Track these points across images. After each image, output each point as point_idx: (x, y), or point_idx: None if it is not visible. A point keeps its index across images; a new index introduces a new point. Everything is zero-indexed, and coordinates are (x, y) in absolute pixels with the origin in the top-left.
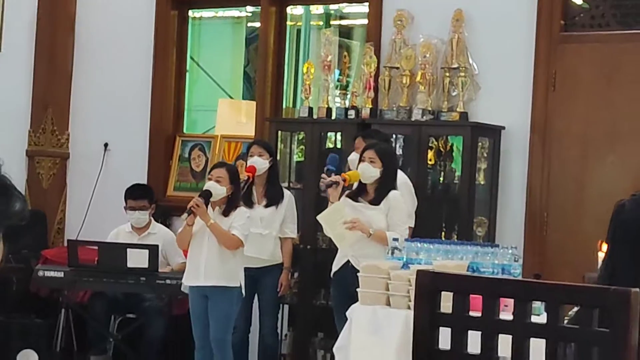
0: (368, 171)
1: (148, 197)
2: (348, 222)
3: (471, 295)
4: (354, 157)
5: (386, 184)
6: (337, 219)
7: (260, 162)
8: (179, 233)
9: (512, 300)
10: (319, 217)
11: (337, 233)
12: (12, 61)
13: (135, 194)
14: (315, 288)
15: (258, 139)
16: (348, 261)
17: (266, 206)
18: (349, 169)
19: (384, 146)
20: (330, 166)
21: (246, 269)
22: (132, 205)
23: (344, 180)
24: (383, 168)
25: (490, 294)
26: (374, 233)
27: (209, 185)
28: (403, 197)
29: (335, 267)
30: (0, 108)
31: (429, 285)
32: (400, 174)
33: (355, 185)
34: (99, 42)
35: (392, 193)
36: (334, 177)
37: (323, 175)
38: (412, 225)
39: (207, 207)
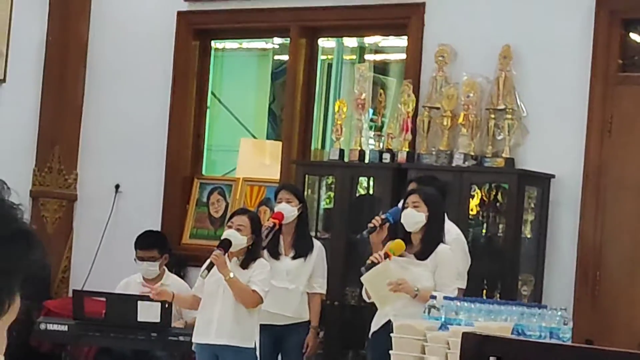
0: (412, 217)
1: (158, 246)
2: (393, 282)
3: None
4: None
5: (433, 234)
6: (382, 280)
7: (288, 210)
8: (194, 294)
9: None
10: (363, 279)
11: (381, 295)
12: (17, 92)
13: (144, 244)
14: (342, 349)
15: (286, 183)
16: (389, 321)
17: (294, 258)
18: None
19: (430, 190)
20: (389, 215)
21: (269, 327)
22: (141, 256)
23: (387, 257)
24: (429, 214)
25: None
26: (419, 294)
27: (229, 233)
28: (454, 253)
29: (374, 326)
30: (2, 143)
31: (475, 350)
32: (454, 228)
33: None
34: (112, 73)
35: (442, 247)
36: (375, 221)
37: (377, 217)
38: (463, 287)
39: (226, 257)
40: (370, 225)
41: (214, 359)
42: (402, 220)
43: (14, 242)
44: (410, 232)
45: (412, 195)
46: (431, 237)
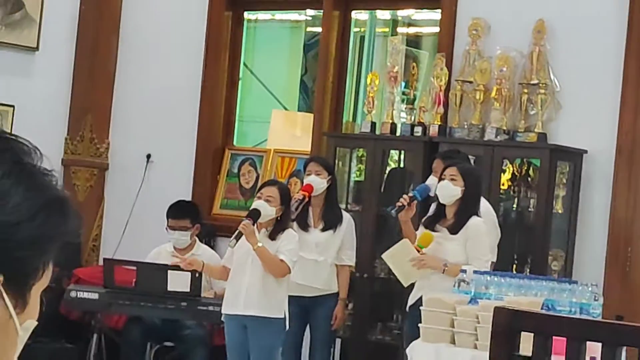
0: (448, 190)
1: (190, 216)
2: (415, 259)
3: (554, 338)
4: (432, 181)
5: (468, 208)
6: (403, 256)
7: (317, 182)
8: (224, 265)
9: (595, 345)
10: (384, 256)
11: (404, 272)
12: (51, 60)
13: (176, 213)
14: (372, 321)
15: (315, 155)
16: None
17: (323, 230)
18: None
19: (468, 165)
20: (416, 192)
21: (298, 299)
22: (173, 225)
23: (417, 251)
24: (465, 188)
25: (577, 337)
26: (449, 268)
27: (258, 204)
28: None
29: (411, 300)
30: (35, 111)
31: (507, 325)
32: (484, 202)
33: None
34: (145, 43)
35: (473, 220)
36: (403, 199)
37: (404, 196)
38: (494, 260)
39: (254, 228)
40: (398, 204)
41: (242, 330)
42: (437, 192)
43: (49, 210)
44: (444, 205)
45: (450, 168)
46: (465, 212)
